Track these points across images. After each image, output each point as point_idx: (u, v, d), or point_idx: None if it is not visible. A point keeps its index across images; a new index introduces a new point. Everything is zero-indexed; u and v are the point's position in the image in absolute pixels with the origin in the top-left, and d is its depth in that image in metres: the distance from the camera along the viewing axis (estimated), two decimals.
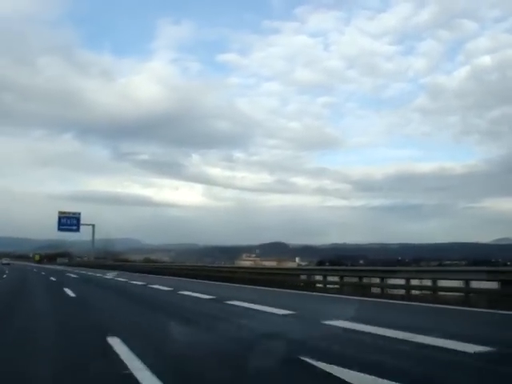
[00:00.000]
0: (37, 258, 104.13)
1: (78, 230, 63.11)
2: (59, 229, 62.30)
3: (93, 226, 63.44)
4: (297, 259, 77.76)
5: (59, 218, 61.79)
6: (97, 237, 61.10)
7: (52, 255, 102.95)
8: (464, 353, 4.76)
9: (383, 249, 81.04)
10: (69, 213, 63.25)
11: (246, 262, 62.39)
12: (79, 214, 63.53)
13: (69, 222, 61.80)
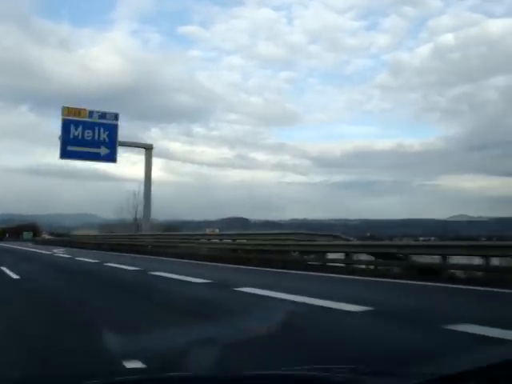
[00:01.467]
0: None
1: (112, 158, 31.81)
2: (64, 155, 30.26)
3: None
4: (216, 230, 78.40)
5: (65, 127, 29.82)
6: (49, 212, 60.48)
7: (15, 228, 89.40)
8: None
9: (344, 225, 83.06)
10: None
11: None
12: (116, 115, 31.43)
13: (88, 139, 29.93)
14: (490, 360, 1.41)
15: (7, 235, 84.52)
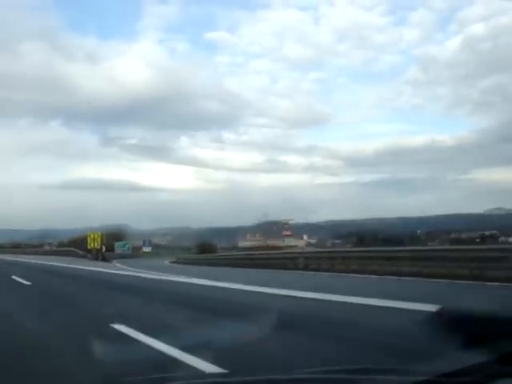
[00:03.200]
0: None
1: None
2: None
3: None
4: (305, 237, 77.42)
5: None
6: (84, 225, 60.31)
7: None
8: None
9: (381, 223, 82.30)
10: None
11: (250, 242, 62.52)
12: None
13: None
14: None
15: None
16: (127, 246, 54.33)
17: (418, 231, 74.02)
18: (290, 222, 67.62)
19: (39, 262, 30.00)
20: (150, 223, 45.60)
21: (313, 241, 72.24)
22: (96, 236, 42.61)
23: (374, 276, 14.78)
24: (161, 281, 15.88)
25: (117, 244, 53.37)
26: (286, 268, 20.69)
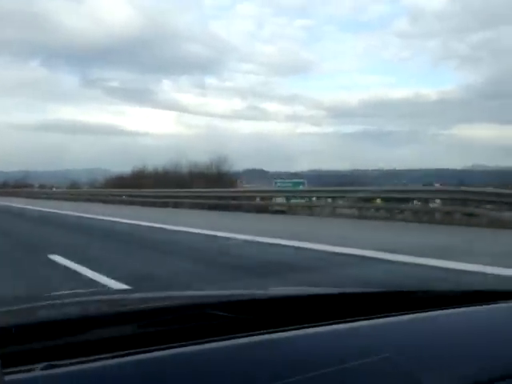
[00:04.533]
0: None
1: None
2: None
3: None
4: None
5: None
6: (66, 167, 60.80)
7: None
8: None
9: (363, 175, 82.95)
10: None
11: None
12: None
13: None
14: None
15: None
16: None
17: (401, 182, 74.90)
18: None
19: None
20: (130, 167, 45.91)
21: None
22: None
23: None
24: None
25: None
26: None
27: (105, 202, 29.91)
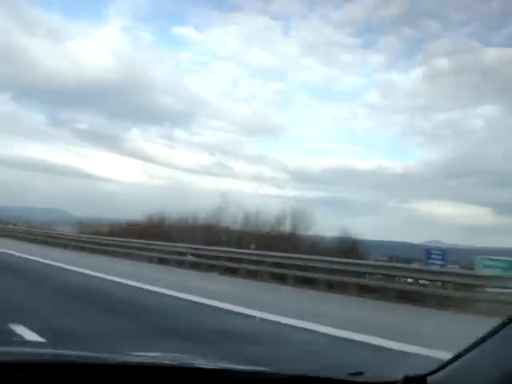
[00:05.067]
0: None
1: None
2: None
3: None
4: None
5: None
6: (25, 204, 59.78)
7: None
8: None
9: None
10: None
11: None
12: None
13: None
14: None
15: None
16: None
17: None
18: None
19: None
20: (89, 212, 45.09)
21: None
22: None
23: None
24: None
25: None
26: None
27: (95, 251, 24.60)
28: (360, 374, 1.49)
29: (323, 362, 5.25)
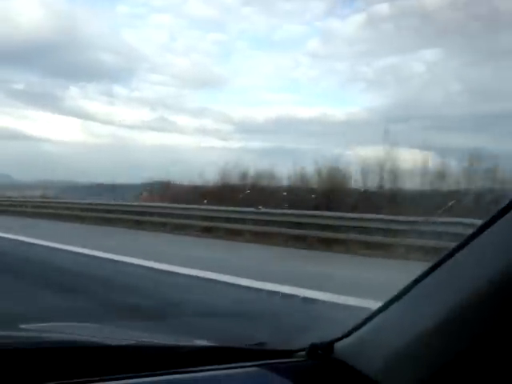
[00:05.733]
0: None
1: None
2: None
3: None
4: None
5: None
6: None
7: None
8: None
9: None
10: None
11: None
12: None
13: None
14: None
15: None
16: None
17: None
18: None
19: None
20: (32, 174, 43.74)
21: None
22: None
23: None
24: None
25: None
26: None
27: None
28: (262, 343, 1.37)
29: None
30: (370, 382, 1.19)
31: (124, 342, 1.34)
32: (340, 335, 1.30)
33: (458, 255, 1.07)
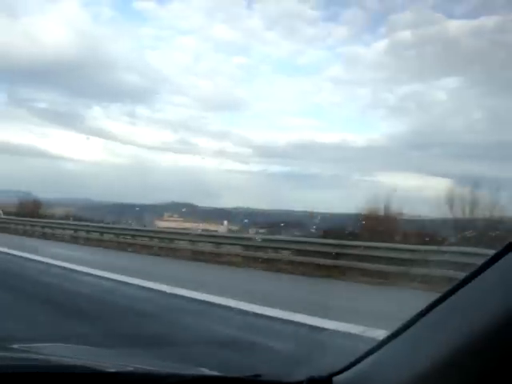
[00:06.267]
0: None
1: None
2: None
3: None
4: (225, 222, 76.06)
5: None
6: None
7: None
8: None
9: (287, 214, 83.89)
10: None
11: (167, 222, 60.53)
12: None
13: None
14: None
15: None
16: None
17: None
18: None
19: None
20: (54, 193, 44.18)
21: (234, 227, 70.85)
22: None
23: None
24: None
25: None
26: None
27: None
28: (259, 376, 1.34)
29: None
30: None
31: (118, 369, 1.31)
32: (339, 368, 1.27)
33: (458, 294, 1.05)
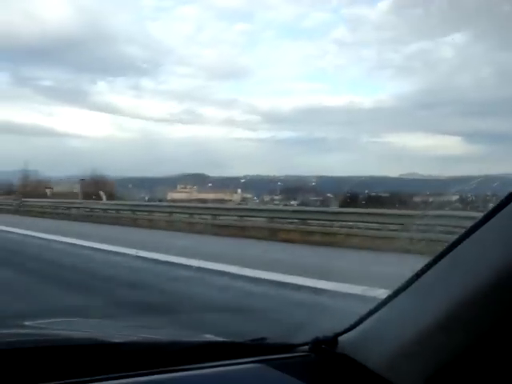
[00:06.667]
0: None
1: None
2: None
3: None
4: (239, 191, 75.99)
5: None
6: None
7: None
8: None
9: (301, 181, 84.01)
10: None
11: (180, 193, 60.66)
12: None
13: None
14: None
15: None
16: None
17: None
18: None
19: None
20: (62, 171, 44.39)
21: (248, 195, 70.36)
22: None
23: None
24: None
25: None
26: None
27: None
28: (264, 339, 1.33)
29: None
30: (375, 376, 1.16)
31: (123, 339, 1.32)
32: (345, 328, 1.27)
33: (459, 248, 1.03)
